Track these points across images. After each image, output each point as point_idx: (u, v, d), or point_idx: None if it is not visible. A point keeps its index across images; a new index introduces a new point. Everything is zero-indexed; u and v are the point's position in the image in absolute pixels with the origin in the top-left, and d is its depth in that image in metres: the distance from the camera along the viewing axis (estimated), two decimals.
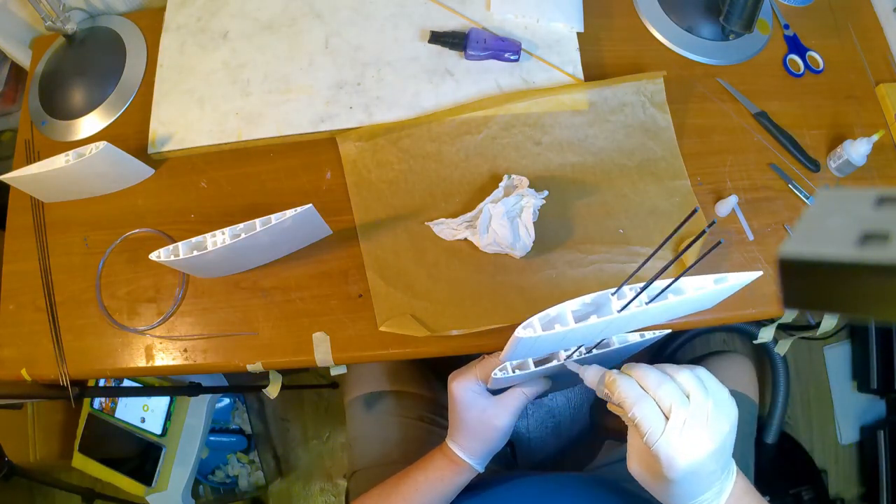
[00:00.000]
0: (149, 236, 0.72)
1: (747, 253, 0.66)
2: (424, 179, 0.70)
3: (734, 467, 0.44)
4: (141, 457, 1.16)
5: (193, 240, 0.60)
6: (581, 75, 0.72)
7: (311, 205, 0.59)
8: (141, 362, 0.68)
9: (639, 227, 0.67)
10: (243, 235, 0.59)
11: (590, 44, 0.75)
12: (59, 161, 0.66)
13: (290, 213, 0.58)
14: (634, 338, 0.50)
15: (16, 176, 0.68)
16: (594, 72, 0.74)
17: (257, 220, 0.59)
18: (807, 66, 0.75)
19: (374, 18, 0.77)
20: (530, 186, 0.65)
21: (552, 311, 0.43)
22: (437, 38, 0.73)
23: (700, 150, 0.71)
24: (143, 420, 1.15)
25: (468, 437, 0.54)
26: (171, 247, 0.60)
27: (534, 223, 0.63)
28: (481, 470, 0.56)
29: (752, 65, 0.76)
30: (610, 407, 0.46)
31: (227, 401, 1.33)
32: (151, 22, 0.82)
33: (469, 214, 0.66)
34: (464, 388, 0.54)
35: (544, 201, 0.64)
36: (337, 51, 0.75)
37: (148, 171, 0.74)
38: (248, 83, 0.75)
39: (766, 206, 0.68)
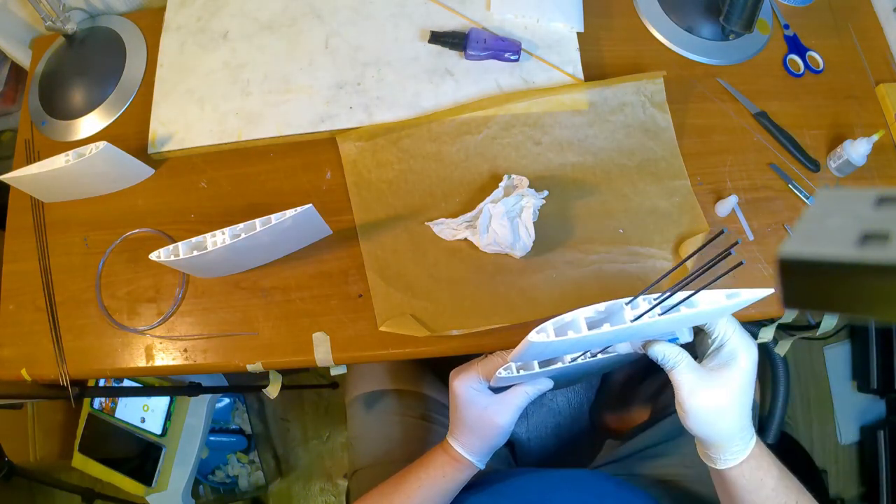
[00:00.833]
0: (149, 236, 0.72)
1: (747, 253, 0.66)
2: (424, 179, 0.70)
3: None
4: (141, 457, 1.16)
5: (193, 240, 0.60)
6: (581, 75, 0.72)
7: (311, 205, 0.59)
8: (141, 362, 0.68)
9: (639, 227, 0.67)
10: (243, 235, 0.59)
11: (590, 44, 0.75)
12: (59, 161, 0.66)
13: (290, 213, 0.58)
14: (640, 346, 0.50)
15: (16, 176, 0.68)
16: (594, 72, 0.74)
17: (257, 220, 0.59)
18: (807, 66, 0.75)
19: (374, 18, 0.77)
20: (530, 186, 0.65)
21: (566, 317, 0.43)
22: (437, 38, 0.73)
23: (700, 150, 0.71)
24: (143, 420, 1.15)
25: (469, 435, 0.55)
26: (171, 247, 0.60)
27: (534, 223, 0.63)
28: (482, 467, 0.56)
29: (752, 65, 0.76)
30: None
31: (227, 401, 1.33)
32: (151, 22, 0.82)
33: (469, 214, 0.66)
34: (465, 385, 0.54)
35: (544, 201, 0.64)
36: (337, 51, 0.75)
37: (148, 171, 0.74)
38: (248, 83, 0.75)
39: (766, 206, 0.68)
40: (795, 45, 0.77)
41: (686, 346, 0.49)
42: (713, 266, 0.39)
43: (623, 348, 0.51)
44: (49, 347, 0.69)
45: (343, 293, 0.67)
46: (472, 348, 0.64)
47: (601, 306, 0.44)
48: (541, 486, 0.60)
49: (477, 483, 0.62)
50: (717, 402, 0.46)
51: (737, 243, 0.39)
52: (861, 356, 1.32)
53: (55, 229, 0.75)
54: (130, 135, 0.77)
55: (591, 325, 0.44)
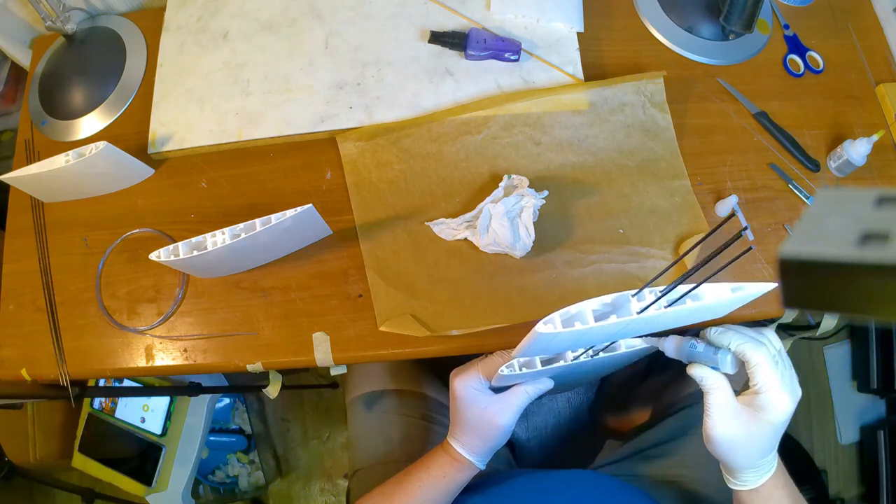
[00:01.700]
0: (149, 236, 0.72)
1: (747, 253, 0.66)
2: (424, 179, 0.70)
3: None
4: (141, 457, 1.16)
5: (193, 240, 0.60)
6: (581, 75, 0.72)
7: (311, 205, 0.59)
8: (141, 362, 0.68)
9: (639, 226, 0.67)
10: (243, 235, 0.59)
11: (590, 44, 0.75)
12: (59, 161, 0.66)
13: (290, 213, 0.58)
14: (641, 344, 0.51)
15: (16, 176, 0.68)
16: (594, 72, 0.74)
17: (257, 220, 0.59)
18: (807, 66, 0.75)
19: (374, 18, 0.77)
20: (530, 186, 0.65)
21: (573, 309, 0.43)
22: (437, 38, 0.73)
23: (700, 150, 0.71)
24: (143, 420, 1.15)
25: (469, 435, 0.55)
26: (171, 247, 0.60)
27: (534, 223, 0.63)
28: (482, 467, 0.56)
29: (752, 65, 0.76)
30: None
31: (227, 401, 1.33)
32: (151, 22, 0.82)
33: (469, 214, 0.66)
34: (466, 385, 0.54)
35: (544, 201, 0.64)
36: (337, 51, 0.75)
37: (148, 171, 0.74)
38: (248, 83, 0.75)
39: (766, 206, 0.68)
40: (795, 45, 0.77)
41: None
42: (719, 254, 0.39)
43: (635, 343, 0.51)
44: (49, 347, 0.69)
45: (343, 293, 0.67)
46: (472, 348, 0.64)
47: (608, 298, 0.44)
48: (542, 487, 0.60)
49: (478, 484, 0.62)
50: (739, 437, 0.46)
51: (746, 227, 0.39)
52: (861, 356, 1.32)
53: (55, 229, 0.75)
54: (130, 135, 0.77)
55: (598, 317, 0.44)
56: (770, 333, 0.48)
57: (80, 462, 1.18)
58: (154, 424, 1.15)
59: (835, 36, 0.78)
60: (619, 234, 0.66)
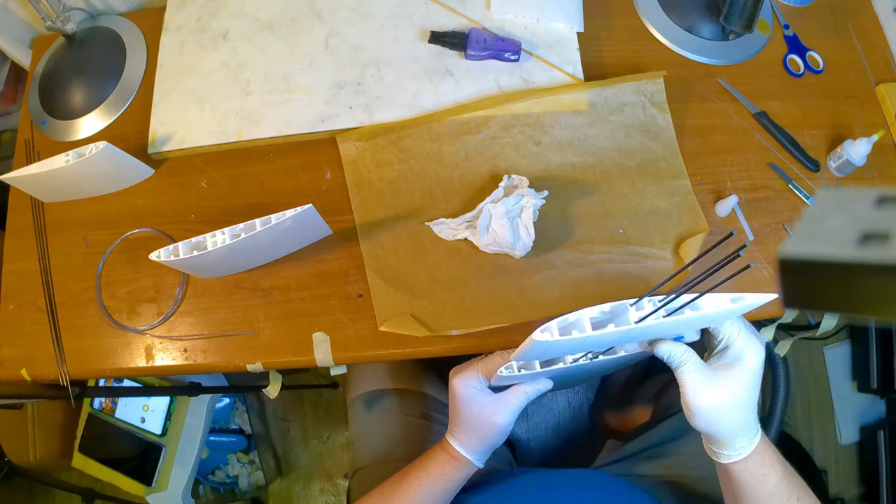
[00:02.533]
0: (149, 236, 0.72)
1: (747, 253, 0.66)
2: (424, 179, 0.70)
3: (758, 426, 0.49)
4: (141, 457, 1.16)
5: (193, 240, 0.60)
6: (581, 75, 0.72)
7: (311, 205, 0.59)
8: (141, 362, 0.68)
9: (639, 227, 0.67)
10: (243, 235, 0.59)
11: (590, 44, 0.75)
12: (59, 161, 0.66)
13: (290, 213, 0.58)
14: (644, 347, 0.51)
15: (16, 176, 0.68)
16: (594, 72, 0.74)
17: (257, 220, 0.59)
18: (807, 66, 0.75)
19: (374, 18, 0.77)
20: (530, 186, 0.65)
21: (571, 317, 0.44)
22: (437, 38, 0.73)
23: (700, 150, 0.71)
24: (143, 420, 1.15)
25: (468, 433, 0.55)
26: (171, 247, 0.60)
27: (534, 223, 0.63)
28: (481, 466, 0.57)
29: (752, 65, 0.76)
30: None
31: (227, 401, 1.33)
32: (151, 22, 0.82)
33: (469, 214, 0.66)
34: (465, 384, 0.54)
35: (544, 201, 0.64)
36: (337, 51, 0.75)
37: (148, 171, 0.74)
38: (248, 83, 0.75)
39: (766, 206, 0.68)
40: (795, 45, 0.77)
41: (693, 345, 0.49)
42: (719, 269, 0.39)
43: (630, 348, 0.51)
44: (49, 347, 0.69)
45: (343, 293, 0.67)
46: (472, 348, 0.64)
47: (606, 307, 0.45)
48: (545, 485, 0.60)
49: (480, 483, 0.62)
50: (721, 401, 0.46)
51: (745, 246, 0.40)
52: (861, 356, 1.32)
53: (55, 229, 0.74)
54: (130, 135, 0.77)
55: (596, 325, 0.44)
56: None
57: (80, 462, 1.18)
58: (154, 424, 1.15)
59: (835, 36, 0.78)
60: (619, 234, 0.66)
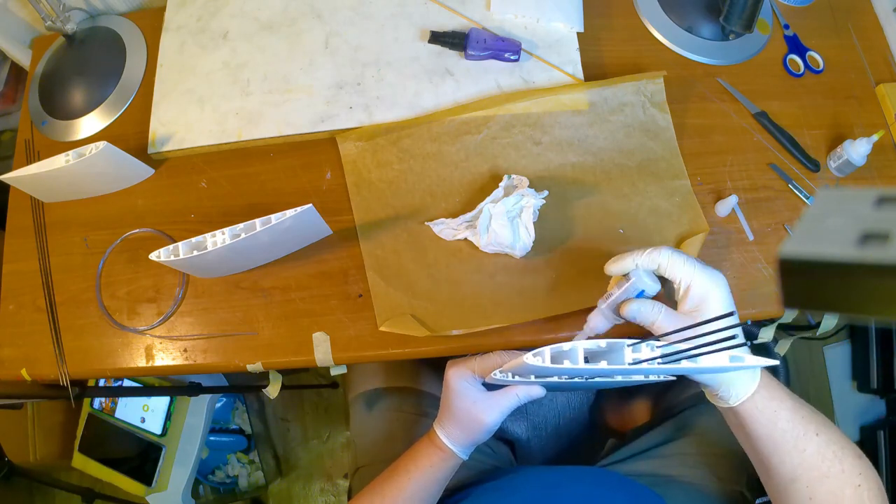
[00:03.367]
0: (149, 236, 0.72)
1: (747, 253, 0.66)
2: (424, 179, 0.70)
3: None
4: (141, 457, 1.16)
5: (193, 240, 0.60)
6: (581, 75, 0.72)
7: (311, 205, 0.59)
8: (141, 362, 0.68)
9: (639, 227, 0.67)
10: (243, 235, 0.59)
11: (590, 44, 0.75)
12: (59, 161, 0.66)
13: (290, 213, 0.58)
14: (639, 377, 0.51)
15: (16, 176, 0.68)
16: (594, 72, 0.74)
17: (257, 220, 0.59)
18: (807, 66, 0.75)
19: (374, 18, 0.77)
20: (530, 186, 0.65)
21: (565, 346, 0.44)
22: (437, 38, 0.73)
23: (700, 150, 0.71)
24: (143, 420, 1.15)
25: (455, 425, 0.56)
26: (171, 247, 0.60)
27: (534, 223, 0.63)
28: (465, 458, 0.57)
29: (752, 65, 0.76)
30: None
31: (227, 401, 1.33)
32: (151, 22, 0.82)
33: (469, 214, 0.66)
34: (459, 376, 0.55)
35: (544, 201, 0.64)
36: (337, 51, 0.75)
37: (148, 171, 0.74)
38: (248, 83, 0.75)
39: (766, 206, 0.68)
40: (795, 45, 0.77)
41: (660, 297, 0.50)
42: (710, 343, 0.40)
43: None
44: (49, 347, 0.69)
45: (343, 293, 0.67)
46: (472, 348, 0.64)
47: (603, 342, 0.45)
48: (547, 482, 0.61)
49: (482, 480, 0.62)
50: None
51: (732, 313, 0.43)
52: (861, 356, 1.32)
53: (55, 229, 0.74)
54: (130, 135, 0.77)
55: (590, 356, 0.45)
56: (661, 248, 0.49)
57: (80, 462, 1.18)
58: (154, 424, 1.15)
59: (835, 36, 0.78)
60: (619, 234, 0.66)
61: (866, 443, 1.30)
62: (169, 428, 1.15)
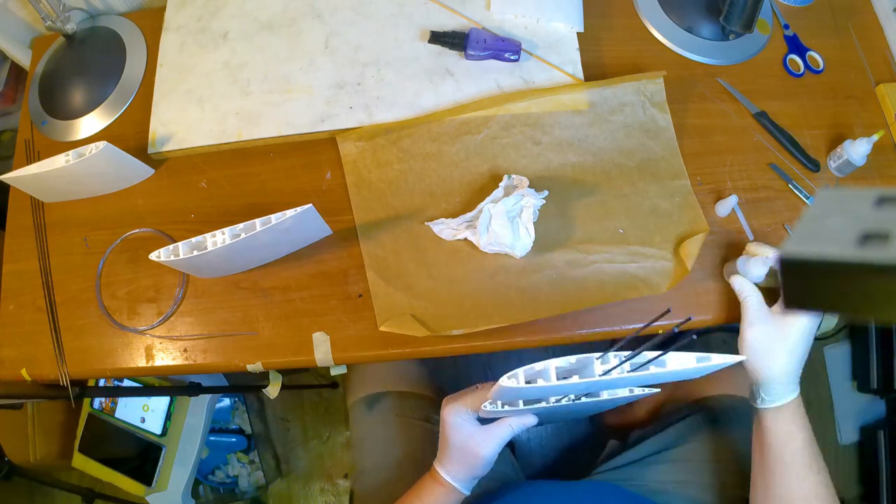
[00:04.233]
0: (149, 236, 0.72)
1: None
2: (424, 179, 0.70)
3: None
4: (141, 457, 1.16)
5: (193, 240, 0.60)
6: (581, 75, 0.72)
7: (310, 205, 0.59)
8: (141, 362, 0.68)
9: (639, 227, 0.67)
10: (243, 235, 0.59)
11: (590, 44, 0.75)
12: (59, 161, 0.66)
13: (290, 213, 0.58)
14: (624, 393, 0.52)
15: (16, 176, 0.68)
16: (594, 72, 0.74)
17: (257, 220, 0.59)
18: (807, 66, 0.75)
19: (374, 18, 0.77)
20: (530, 186, 0.65)
21: (538, 366, 0.46)
22: (437, 38, 0.73)
23: (700, 150, 0.71)
24: (143, 420, 1.15)
25: (453, 461, 0.56)
26: (171, 247, 0.60)
27: (534, 223, 0.63)
28: (466, 493, 0.58)
29: (752, 65, 0.76)
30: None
31: (227, 401, 1.33)
32: (151, 22, 0.82)
33: (469, 214, 0.66)
34: (454, 413, 0.56)
35: (544, 201, 0.64)
36: (337, 51, 0.75)
37: (148, 171, 0.74)
38: (248, 83, 0.75)
39: (766, 206, 0.68)
40: (795, 45, 0.77)
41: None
42: (665, 346, 0.44)
43: (618, 392, 0.53)
44: (49, 347, 0.69)
45: (343, 293, 0.67)
46: (473, 348, 0.64)
47: (573, 359, 0.47)
48: (547, 500, 0.61)
49: (481, 499, 0.62)
50: (768, 341, 0.54)
51: (688, 320, 0.48)
52: (861, 356, 1.32)
53: (55, 229, 0.74)
54: (130, 135, 0.77)
55: (562, 375, 0.46)
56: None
57: (80, 462, 1.18)
58: (154, 424, 1.15)
59: (835, 36, 0.78)
60: (619, 234, 0.66)
61: (866, 443, 1.30)
62: (169, 428, 1.15)
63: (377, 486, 0.72)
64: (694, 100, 0.73)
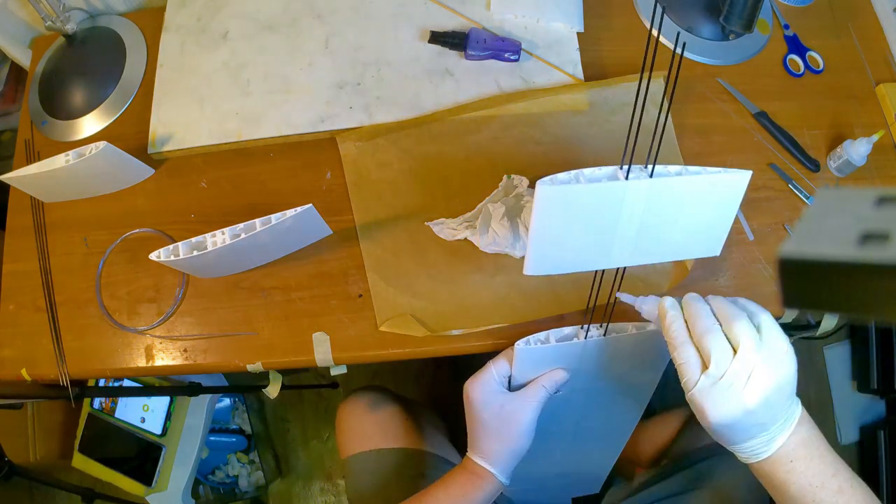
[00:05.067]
0: (149, 236, 0.72)
1: (747, 253, 0.66)
2: (424, 180, 0.70)
3: (796, 413, 0.43)
4: (141, 457, 1.16)
5: (193, 240, 0.60)
6: (581, 75, 0.72)
7: (311, 205, 0.59)
8: (141, 362, 0.68)
9: None
10: (243, 235, 0.59)
11: (590, 44, 0.75)
12: (59, 161, 0.66)
13: (290, 213, 0.58)
14: (652, 326, 0.53)
15: (16, 176, 0.68)
16: (594, 72, 0.74)
17: (257, 220, 0.59)
18: (807, 66, 0.75)
19: (374, 18, 0.77)
20: (530, 186, 0.65)
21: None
22: (437, 38, 0.73)
23: (700, 150, 0.71)
24: (143, 420, 1.15)
25: (489, 439, 0.52)
26: (171, 247, 0.60)
27: None
28: (505, 480, 0.53)
29: (752, 65, 0.76)
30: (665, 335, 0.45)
31: (227, 401, 1.33)
32: (151, 22, 0.82)
33: (469, 214, 0.66)
34: (480, 386, 0.52)
35: None
36: (337, 51, 0.75)
37: (148, 171, 0.74)
38: (248, 83, 0.75)
39: (766, 206, 0.68)
40: (795, 45, 0.77)
41: None
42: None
43: (643, 324, 0.53)
44: (49, 347, 0.69)
45: (343, 293, 0.67)
46: (472, 348, 0.64)
47: (606, 168, 0.48)
48: None
49: None
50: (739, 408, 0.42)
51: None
52: (861, 356, 1.32)
53: (55, 229, 0.74)
54: (130, 135, 0.77)
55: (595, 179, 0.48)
56: (738, 322, 0.42)
57: (80, 462, 1.18)
58: (154, 424, 1.15)
59: (835, 36, 0.78)
60: None
61: (866, 443, 1.30)
62: (169, 428, 1.15)
63: None
64: (694, 100, 0.73)
